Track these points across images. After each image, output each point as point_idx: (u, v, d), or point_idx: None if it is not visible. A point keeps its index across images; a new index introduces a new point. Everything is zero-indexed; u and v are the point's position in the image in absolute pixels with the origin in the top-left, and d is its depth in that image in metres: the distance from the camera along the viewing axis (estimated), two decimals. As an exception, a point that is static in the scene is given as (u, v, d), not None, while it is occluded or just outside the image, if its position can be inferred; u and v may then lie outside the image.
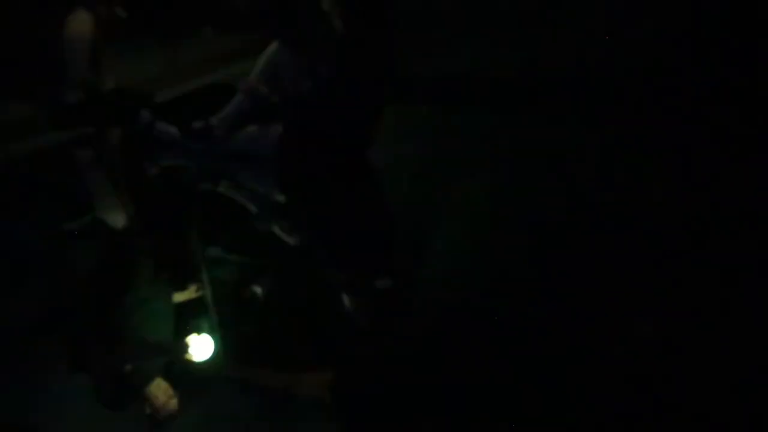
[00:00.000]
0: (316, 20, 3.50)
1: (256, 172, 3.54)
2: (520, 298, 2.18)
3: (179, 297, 2.18)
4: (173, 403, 1.63)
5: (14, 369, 1.77)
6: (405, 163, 3.67)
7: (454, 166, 3.61)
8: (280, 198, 3.42)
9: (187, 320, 2.04)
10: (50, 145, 4.06)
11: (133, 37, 4.86)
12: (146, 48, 5.21)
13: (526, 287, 2.25)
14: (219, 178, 3.57)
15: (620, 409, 1.60)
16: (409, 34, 4.56)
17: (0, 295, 2.26)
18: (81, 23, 4.01)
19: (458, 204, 3.09)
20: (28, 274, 2.40)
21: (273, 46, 3.64)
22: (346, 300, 2.26)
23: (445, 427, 1.53)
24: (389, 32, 3.50)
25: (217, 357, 1.85)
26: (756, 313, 2.03)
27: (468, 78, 5.00)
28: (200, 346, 1.89)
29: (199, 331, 1.95)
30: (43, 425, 1.54)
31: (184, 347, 1.89)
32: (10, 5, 4.27)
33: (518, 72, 4.98)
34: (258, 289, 2.32)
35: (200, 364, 1.83)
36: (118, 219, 3.13)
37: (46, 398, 1.63)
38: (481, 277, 2.35)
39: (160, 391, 1.66)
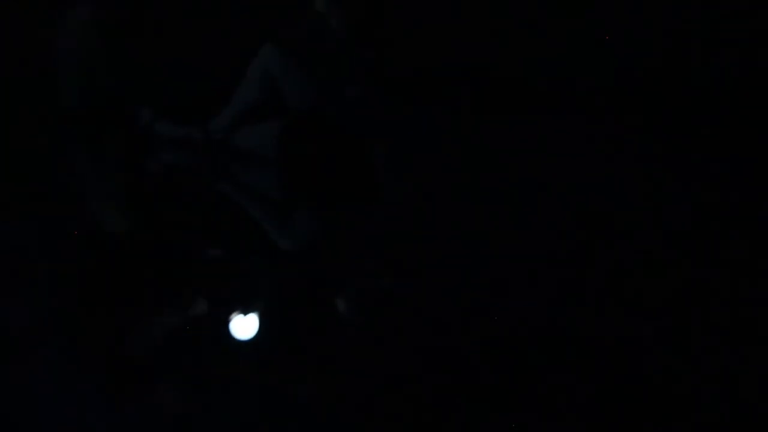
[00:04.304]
0: (314, 22, 3.50)
1: (257, 170, 3.54)
2: (522, 298, 2.17)
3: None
4: None
5: (13, 369, 1.77)
6: (407, 162, 3.67)
7: (457, 165, 3.61)
8: (281, 197, 3.42)
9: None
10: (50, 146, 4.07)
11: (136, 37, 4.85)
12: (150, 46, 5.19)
13: (529, 287, 2.24)
14: (220, 176, 3.57)
15: (621, 410, 1.60)
16: (409, 33, 4.56)
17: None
18: (72, 26, 4.01)
19: (461, 203, 3.09)
20: (28, 275, 2.40)
21: (267, 52, 3.61)
22: (346, 300, 2.25)
23: (445, 428, 1.53)
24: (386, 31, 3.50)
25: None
26: (756, 313, 2.03)
27: (468, 78, 5.01)
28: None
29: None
30: (41, 425, 1.54)
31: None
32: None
33: (519, 72, 4.99)
34: (257, 291, 2.32)
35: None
36: (116, 220, 3.12)
37: (45, 399, 1.63)
38: (483, 278, 2.34)
39: None
